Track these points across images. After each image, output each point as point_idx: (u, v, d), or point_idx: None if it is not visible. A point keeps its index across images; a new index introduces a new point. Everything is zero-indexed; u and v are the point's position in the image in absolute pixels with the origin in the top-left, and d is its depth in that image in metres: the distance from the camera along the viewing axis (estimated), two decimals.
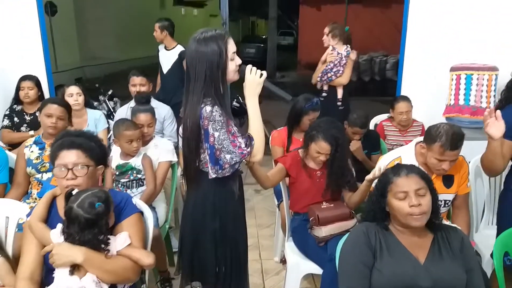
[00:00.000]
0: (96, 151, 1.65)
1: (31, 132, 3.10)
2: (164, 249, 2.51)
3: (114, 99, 4.73)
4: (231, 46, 1.59)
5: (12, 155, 2.46)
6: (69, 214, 1.45)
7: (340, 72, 3.48)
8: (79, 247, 1.44)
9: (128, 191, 2.40)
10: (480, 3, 3.31)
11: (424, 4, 3.40)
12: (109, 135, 3.22)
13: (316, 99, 2.85)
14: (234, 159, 1.57)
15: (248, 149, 1.59)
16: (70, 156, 1.57)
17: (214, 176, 1.59)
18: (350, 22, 11.79)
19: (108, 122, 3.36)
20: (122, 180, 2.41)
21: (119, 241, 1.52)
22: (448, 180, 2.07)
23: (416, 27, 3.45)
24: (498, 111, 1.92)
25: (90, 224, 1.44)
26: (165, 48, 4.07)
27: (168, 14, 7.37)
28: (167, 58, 4.03)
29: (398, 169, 1.56)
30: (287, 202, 2.44)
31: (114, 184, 2.42)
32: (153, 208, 2.45)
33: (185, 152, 1.67)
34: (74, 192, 1.50)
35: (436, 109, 3.25)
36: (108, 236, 1.51)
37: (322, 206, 2.19)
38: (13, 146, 2.97)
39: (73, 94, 3.11)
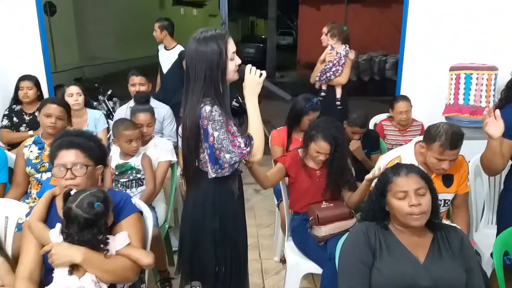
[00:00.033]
0: (95, 151, 1.65)
1: (30, 132, 3.10)
2: (164, 249, 2.51)
3: (114, 99, 4.73)
4: (231, 46, 1.59)
5: (11, 155, 2.46)
6: (68, 215, 1.44)
7: (339, 71, 3.48)
8: (78, 247, 1.44)
9: (128, 191, 2.40)
10: (479, 4, 3.31)
11: (423, 4, 3.40)
12: (108, 135, 3.22)
13: (316, 99, 2.85)
14: (234, 159, 1.57)
15: (248, 149, 1.59)
16: (69, 156, 1.57)
17: (213, 175, 1.59)
18: (350, 22, 11.82)
19: (107, 122, 3.35)
20: (122, 180, 2.41)
21: (118, 241, 1.52)
22: (447, 180, 2.07)
23: (416, 27, 3.45)
24: (497, 111, 1.92)
25: (89, 224, 1.44)
26: (165, 48, 4.07)
27: (168, 14, 7.38)
28: (167, 58, 4.03)
29: (398, 168, 1.56)
30: (286, 201, 2.44)
31: (113, 184, 2.41)
32: (152, 208, 2.45)
33: (185, 151, 1.67)
34: (72, 193, 1.49)
35: (435, 109, 3.25)
36: (107, 236, 1.50)
37: (322, 206, 2.19)
38: (12, 146, 2.97)
39: (73, 94, 3.10)
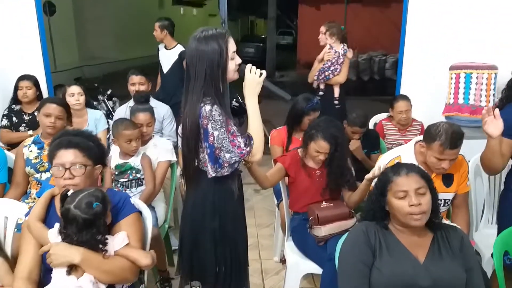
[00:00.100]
0: (94, 151, 1.65)
1: (30, 132, 3.09)
2: (164, 249, 2.50)
3: (113, 98, 4.73)
4: (232, 45, 1.58)
5: (11, 155, 2.45)
6: (66, 216, 1.44)
7: (338, 70, 3.48)
8: (76, 247, 1.43)
9: (127, 190, 2.39)
10: (479, 3, 3.31)
11: (423, 3, 3.39)
12: (108, 135, 3.22)
13: (316, 99, 2.85)
14: (234, 159, 1.56)
15: (248, 149, 1.59)
16: (67, 156, 1.57)
17: (213, 175, 1.59)
18: (349, 21, 11.83)
19: (107, 122, 3.35)
20: (121, 180, 2.40)
21: (117, 241, 1.52)
22: (447, 179, 2.07)
23: (416, 26, 3.45)
24: (497, 110, 1.92)
25: (88, 224, 1.43)
26: (165, 47, 4.07)
27: (167, 14, 7.36)
28: (167, 57, 4.02)
29: (398, 168, 1.56)
30: (286, 201, 2.44)
31: (113, 184, 2.41)
32: (152, 208, 2.45)
33: (185, 151, 1.66)
34: (69, 193, 1.49)
35: (435, 108, 3.25)
36: (106, 236, 1.50)
37: (322, 206, 2.19)
38: (12, 146, 2.97)
39: (74, 94, 3.10)
